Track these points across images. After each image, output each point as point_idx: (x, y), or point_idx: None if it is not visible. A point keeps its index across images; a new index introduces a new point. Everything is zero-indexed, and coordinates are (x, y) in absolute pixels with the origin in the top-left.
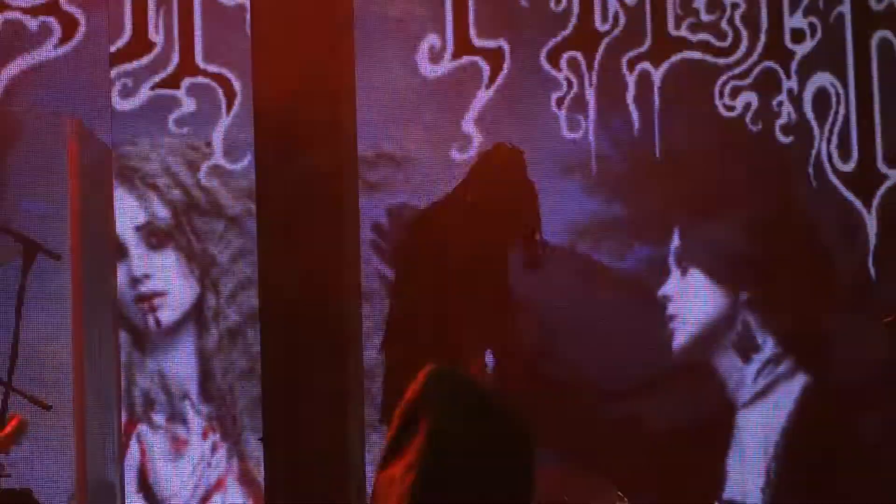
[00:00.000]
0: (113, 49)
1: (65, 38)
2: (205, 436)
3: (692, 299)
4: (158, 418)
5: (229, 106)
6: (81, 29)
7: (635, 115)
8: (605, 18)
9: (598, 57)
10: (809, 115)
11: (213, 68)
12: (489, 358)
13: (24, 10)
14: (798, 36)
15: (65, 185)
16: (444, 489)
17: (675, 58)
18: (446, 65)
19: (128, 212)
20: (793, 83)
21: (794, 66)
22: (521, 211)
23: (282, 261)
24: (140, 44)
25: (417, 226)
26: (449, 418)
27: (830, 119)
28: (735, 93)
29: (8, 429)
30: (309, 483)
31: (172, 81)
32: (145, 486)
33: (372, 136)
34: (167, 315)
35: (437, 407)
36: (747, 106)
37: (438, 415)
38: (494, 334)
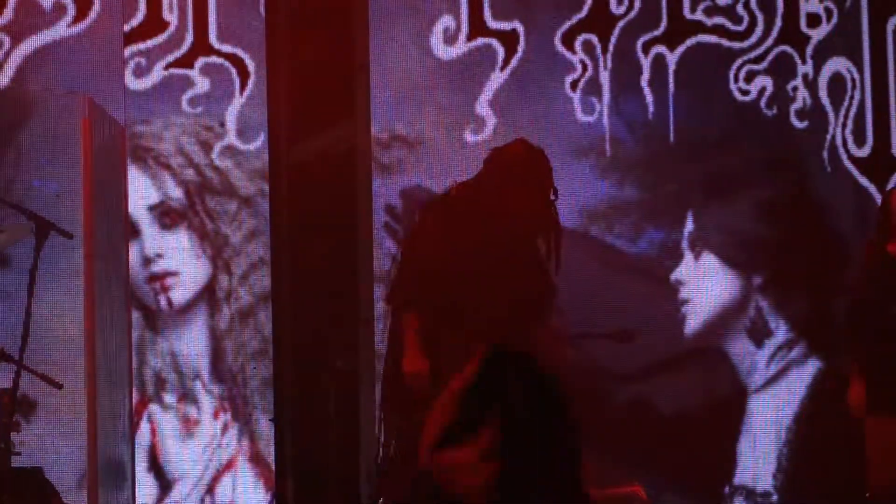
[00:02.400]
0: (127, 28)
1: (79, 17)
2: (216, 416)
3: (705, 283)
4: (169, 398)
5: (243, 86)
6: (95, 7)
7: (650, 99)
8: (620, 1)
9: (613, 40)
10: (824, 100)
11: (227, 48)
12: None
13: None
14: (814, 20)
15: (78, 163)
16: (524, 480)
17: (691, 41)
18: (461, 46)
19: (141, 191)
20: (808, 68)
21: (809, 50)
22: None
23: (294, 242)
24: (154, 23)
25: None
26: (523, 408)
27: (845, 104)
28: (750, 77)
29: None
30: (320, 464)
31: (186, 61)
32: (156, 466)
33: (386, 118)
34: (179, 295)
35: (508, 395)
36: (762, 90)
37: (512, 404)
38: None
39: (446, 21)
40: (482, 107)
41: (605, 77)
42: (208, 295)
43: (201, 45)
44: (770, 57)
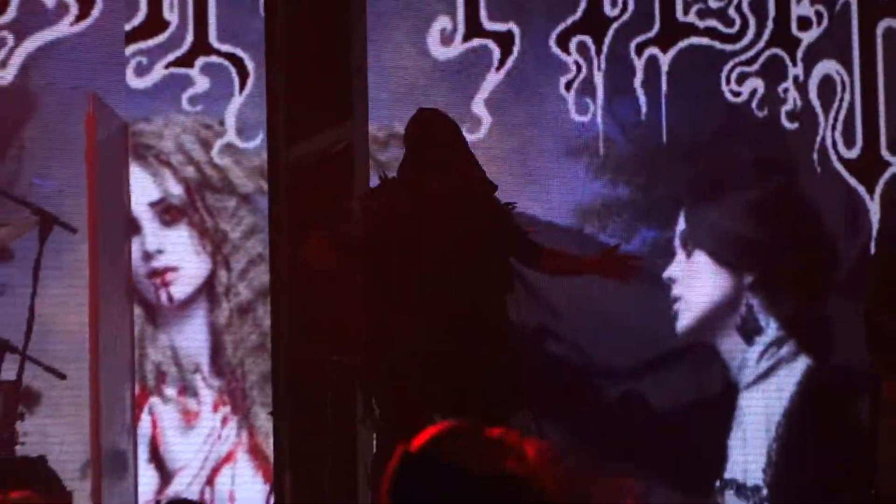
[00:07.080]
0: (128, 27)
1: (81, 16)
2: (215, 409)
3: (697, 282)
4: (170, 391)
5: (242, 85)
6: (98, 7)
7: (643, 100)
8: (614, 3)
9: (607, 41)
10: (815, 101)
11: (226, 48)
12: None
13: None
14: (804, 24)
15: (80, 160)
16: None
17: (683, 43)
18: (457, 47)
19: (142, 188)
20: (798, 70)
21: (800, 53)
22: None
23: (292, 238)
24: (155, 22)
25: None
26: None
27: (835, 106)
28: (742, 79)
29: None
30: (317, 456)
31: (186, 60)
32: (157, 457)
33: (383, 117)
34: (179, 290)
35: None
36: (753, 92)
37: None
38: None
39: (443, 22)
40: (478, 106)
41: (598, 78)
42: (208, 290)
43: (201, 45)
44: (761, 59)
